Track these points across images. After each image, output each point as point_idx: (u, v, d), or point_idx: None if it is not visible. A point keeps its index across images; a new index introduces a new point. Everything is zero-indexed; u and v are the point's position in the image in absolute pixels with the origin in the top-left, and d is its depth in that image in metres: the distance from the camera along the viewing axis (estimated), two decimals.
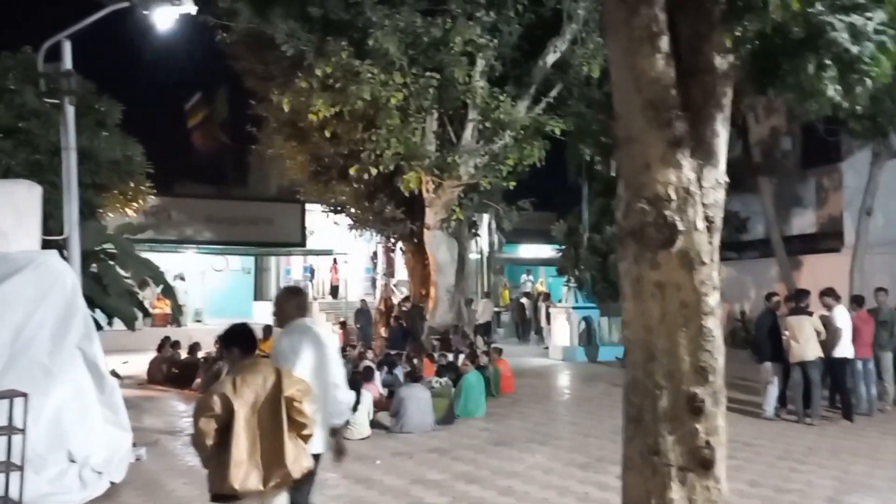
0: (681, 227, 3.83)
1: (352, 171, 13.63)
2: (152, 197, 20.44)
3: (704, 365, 3.82)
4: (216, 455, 3.63)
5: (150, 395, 12.69)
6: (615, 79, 4.04)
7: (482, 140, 13.51)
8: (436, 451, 8.07)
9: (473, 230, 16.61)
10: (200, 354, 14.47)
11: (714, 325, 3.86)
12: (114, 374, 14.46)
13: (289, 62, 13.64)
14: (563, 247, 19.28)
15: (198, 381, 12.79)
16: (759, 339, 10.45)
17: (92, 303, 12.45)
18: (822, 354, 9.75)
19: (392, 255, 20.07)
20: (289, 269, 24.59)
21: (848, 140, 15.82)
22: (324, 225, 20.18)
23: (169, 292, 13.58)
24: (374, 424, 9.13)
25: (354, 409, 8.60)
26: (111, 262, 13.28)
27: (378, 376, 10.84)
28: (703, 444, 3.82)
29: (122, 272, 13.21)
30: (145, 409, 11.12)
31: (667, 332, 3.86)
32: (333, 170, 15.38)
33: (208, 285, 23.84)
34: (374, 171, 13.44)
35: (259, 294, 24.77)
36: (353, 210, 16.69)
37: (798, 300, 10.31)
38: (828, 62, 3.29)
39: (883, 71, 3.26)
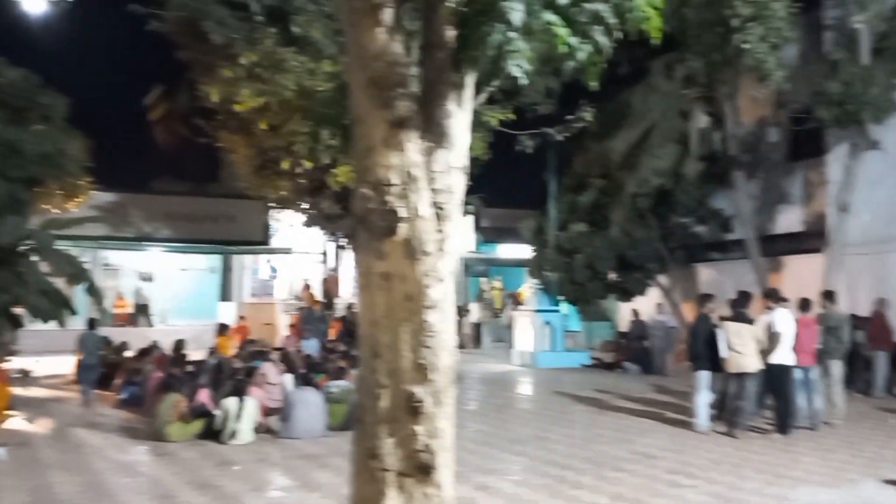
0: (403, 213, 3.78)
1: (284, 165, 13.67)
2: (106, 193, 20.98)
3: (424, 362, 3.77)
4: None
5: (65, 395, 12.83)
6: (346, 54, 4.00)
7: None
8: (307, 457, 8.05)
9: None
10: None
11: (437, 320, 3.80)
12: (23, 372, 14.85)
13: (224, 51, 13.71)
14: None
15: (117, 381, 12.88)
16: (694, 345, 10.25)
17: (15, 300, 12.79)
18: (761, 366, 9.55)
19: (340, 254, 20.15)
20: (256, 268, 24.73)
21: (836, 131, 15.44)
22: (289, 223, 20.28)
23: (93, 291, 13.74)
24: (264, 429, 9.18)
25: (237, 416, 8.70)
26: (35, 259, 13.54)
27: (288, 379, 10.86)
28: (423, 448, 3.75)
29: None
30: (44, 410, 11.26)
31: (391, 326, 3.82)
32: (277, 164, 15.43)
33: (173, 285, 24.07)
34: (308, 165, 13.44)
35: (226, 294, 24.90)
36: (301, 206, 16.76)
37: (737, 305, 10.09)
38: (511, 35, 3.20)
39: (560, 43, 3.16)
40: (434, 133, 3.85)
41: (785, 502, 6.49)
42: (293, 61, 12.30)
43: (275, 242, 22.41)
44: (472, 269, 25.02)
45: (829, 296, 10.77)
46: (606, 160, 16.96)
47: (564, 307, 19.43)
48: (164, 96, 22.80)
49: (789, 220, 17.93)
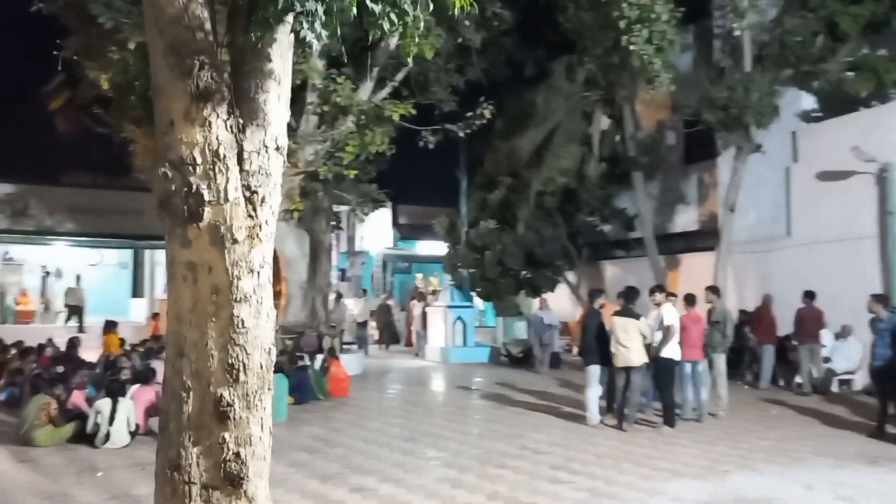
0: (208, 196, 3.28)
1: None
2: (4, 184, 19.54)
3: (234, 362, 3.29)
4: None
5: None
6: (145, 19, 3.47)
7: (323, 125, 12.88)
8: None
9: (333, 223, 15.97)
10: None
11: (248, 315, 3.32)
12: None
13: (113, 36, 12.80)
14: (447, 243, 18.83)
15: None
16: (585, 340, 10.04)
17: None
18: (647, 360, 9.38)
19: None
20: None
21: (724, 134, 15.63)
22: None
23: None
24: (147, 431, 8.47)
25: (111, 419, 7.97)
26: None
27: None
28: (232, 457, 3.27)
29: None
30: None
31: (197, 322, 3.32)
32: None
33: (81, 281, 22.61)
34: None
35: (137, 290, 23.65)
36: None
37: (626, 299, 9.92)
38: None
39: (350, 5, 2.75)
40: (245, 108, 3.38)
41: (657, 496, 6.28)
42: None
43: None
44: (392, 265, 24.52)
45: (713, 291, 10.77)
46: (514, 159, 16.76)
47: (479, 302, 19.21)
48: (64, 84, 21.22)
49: (685, 219, 18.16)
